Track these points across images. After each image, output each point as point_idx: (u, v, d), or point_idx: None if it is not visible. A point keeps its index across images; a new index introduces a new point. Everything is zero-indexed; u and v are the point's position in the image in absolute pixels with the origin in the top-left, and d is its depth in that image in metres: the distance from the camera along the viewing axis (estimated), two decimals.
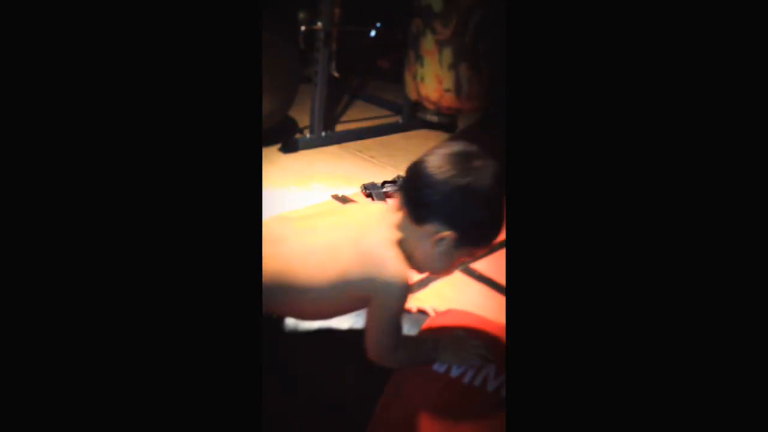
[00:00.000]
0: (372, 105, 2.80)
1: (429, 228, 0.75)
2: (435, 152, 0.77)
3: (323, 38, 2.14)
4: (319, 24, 2.13)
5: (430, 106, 2.35)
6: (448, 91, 2.22)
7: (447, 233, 0.74)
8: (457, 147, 0.77)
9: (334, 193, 1.88)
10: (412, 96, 2.36)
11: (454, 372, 0.75)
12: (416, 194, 0.76)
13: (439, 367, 0.76)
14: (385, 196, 1.87)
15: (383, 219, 0.79)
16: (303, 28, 2.15)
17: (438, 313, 0.91)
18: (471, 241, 0.77)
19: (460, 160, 0.75)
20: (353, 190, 1.90)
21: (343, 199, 1.84)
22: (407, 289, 0.75)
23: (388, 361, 0.77)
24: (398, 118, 2.58)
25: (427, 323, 0.87)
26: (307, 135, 2.27)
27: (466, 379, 0.73)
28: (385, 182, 1.93)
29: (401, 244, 0.77)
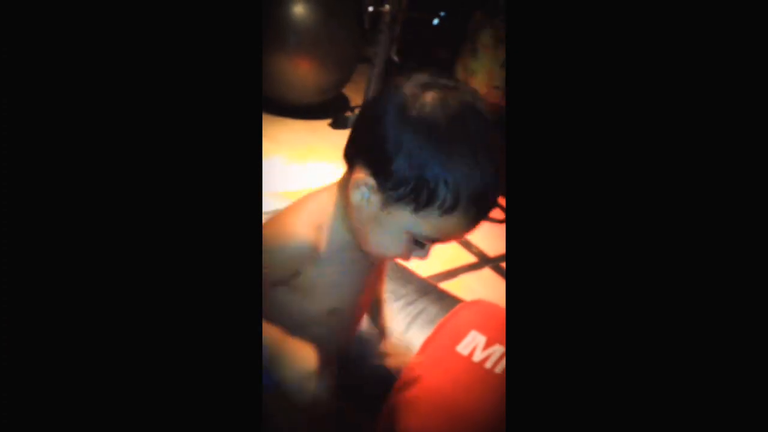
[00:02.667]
0: None
1: (353, 173, 0.57)
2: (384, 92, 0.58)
3: (389, 21, 2.16)
4: (387, 6, 2.14)
5: None
6: (497, 88, 2.22)
7: (363, 173, 0.56)
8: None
9: None
10: None
11: (477, 356, 0.76)
12: (358, 140, 0.59)
13: (463, 349, 0.77)
14: None
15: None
16: (371, 8, 2.17)
17: (466, 303, 0.92)
18: (394, 188, 0.54)
19: (406, 81, 0.55)
20: None
21: None
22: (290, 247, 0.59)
23: None
24: None
25: (456, 309, 0.88)
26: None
27: (488, 364, 0.75)
28: None
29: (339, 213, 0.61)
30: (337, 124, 2.22)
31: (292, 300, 0.64)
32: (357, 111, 2.31)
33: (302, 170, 1.83)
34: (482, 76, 2.23)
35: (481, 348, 0.78)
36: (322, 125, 2.22)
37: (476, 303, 0.92)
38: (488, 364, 0.75)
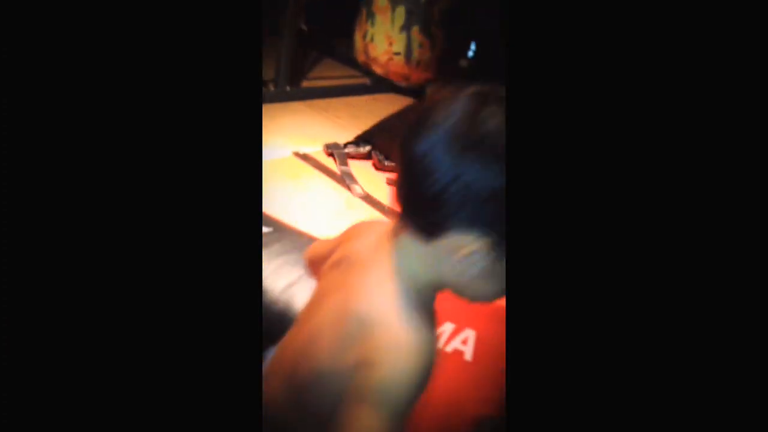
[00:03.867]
0: (340, 64, 2.70)
1: (446, 243, 0.48)
2: (427, 113, 0.48)
3: None
4: None
5: (379, 70, 2.15)
6: (397, 54, 2.07)
7: (477, 244, 0.47)
8: (460, 95, 0.47)
9: (295, 150, 1.82)
10: (360, 58, 2.17)
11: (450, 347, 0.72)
12: (419, 191, 0.47)
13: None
14: (347, 157, 1.81)
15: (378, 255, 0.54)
16: None
17: None
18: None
19: (474, 114, 0.46)
20: (316, 149, 1.84)
21: (305, 157, 1.79)
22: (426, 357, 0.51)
23: None
24: (367, 80, 2.49)
25: None
26: (272, 88, 2.19)
27: (439, 344, 0.71)
28: (347, 143, 1.86)
29: (410, 279, 0.52)
30: None
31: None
32: (270, 86, 2.20)
33: None
34: (381, 43, 2.08)
35: None
36: None
37: None
38: (439, 344, 0.72)
